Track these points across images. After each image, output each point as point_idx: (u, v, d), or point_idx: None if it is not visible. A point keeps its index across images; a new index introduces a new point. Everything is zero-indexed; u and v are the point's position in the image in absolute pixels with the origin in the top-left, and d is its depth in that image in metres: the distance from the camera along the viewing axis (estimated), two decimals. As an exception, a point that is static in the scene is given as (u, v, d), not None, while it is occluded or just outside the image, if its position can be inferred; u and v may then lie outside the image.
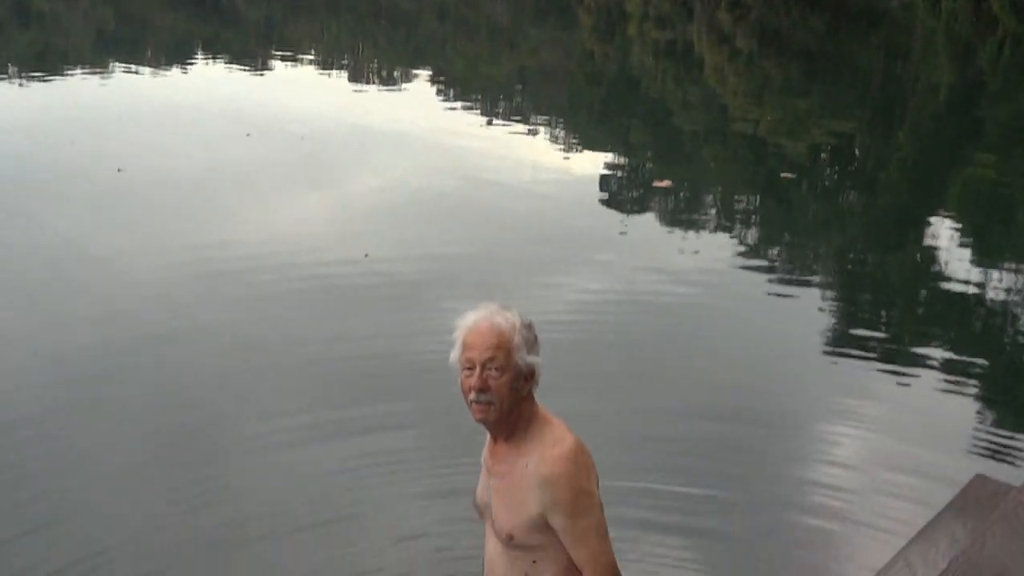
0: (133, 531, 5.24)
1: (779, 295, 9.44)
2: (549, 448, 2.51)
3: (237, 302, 8.54)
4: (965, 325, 8.97)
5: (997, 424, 6.52)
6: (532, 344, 2.57)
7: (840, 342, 8.14)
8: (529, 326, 2.59)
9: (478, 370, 2.53)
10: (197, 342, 7.72)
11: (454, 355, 2.61)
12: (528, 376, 2.57)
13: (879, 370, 7.49)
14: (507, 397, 2.53)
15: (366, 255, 9.65)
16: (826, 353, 7.89)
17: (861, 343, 8.07)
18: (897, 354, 7.90)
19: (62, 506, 5.43)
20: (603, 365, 7.38)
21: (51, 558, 4.92)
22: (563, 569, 2.58)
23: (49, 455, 5.96)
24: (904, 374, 7.43)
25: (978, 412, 6.76)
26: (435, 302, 8.24)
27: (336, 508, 5.46)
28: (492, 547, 2.68)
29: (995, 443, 6.20)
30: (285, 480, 5.76)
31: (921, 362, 7.69)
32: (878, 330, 8.82)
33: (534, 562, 2.59)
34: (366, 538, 5.22)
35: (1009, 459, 5.96)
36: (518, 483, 2.55)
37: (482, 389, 2.53)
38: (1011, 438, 6.25)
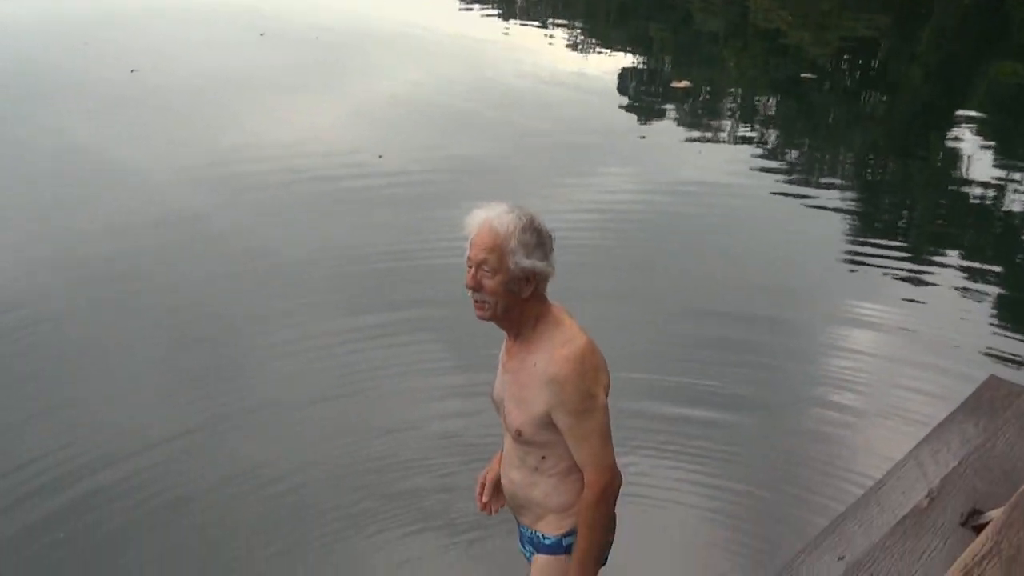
0: (147, 418, 5.41)
1: (798, 197, 9.37)
2: (558, 348, 2.53)
3: (251, 202, 8.57)
4: (984, 229, 8.92)
5: (1013, 327, 6.55)
6: (532, 248, 2.55)
7: (858, 245, 8.12)
8: (531, 229, 2.56)
9: (473, 270, 2.58)
10: (211, 243, 7.77)
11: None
12: (527, 279, 2.57)
13: (897, 273, 7.49)
14: (501, 298, 2.56)
15: (380, 156, 9.62)
16: (844, 255, 7.89)
17: (879, 246, 8.05)
18: (915, 257, 7.89)
19: (78, 396, 5.61)
20: (621, 267, 7.41)
21: (67, 443, 5.12)
22: (571, 466, 2.64)
23: (67, 348, 6.15)
24: (922, 277, 7.44)
25: (994, 315, 6.79)
26: (451, 203, 8.19)
27: (349, 395, 5.64)
28: (507, 441, 2.75)
29: (1010, 346, 6.24)
30: (299, 369, 5.92)
31: (939, 265, 7.70)
32: (897, 233, 8.80)
33: (543, 458, 2.66)
34: (379, 422, 5.41)
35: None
36: (527, 381, 2.60)
37: (475, 288, 2.58)
38: (1027, 340, 6.30)
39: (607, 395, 2.61)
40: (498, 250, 2.55)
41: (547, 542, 2.74)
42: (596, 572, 2.66)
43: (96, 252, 7.51)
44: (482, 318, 2.65)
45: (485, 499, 2.98)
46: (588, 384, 2.53)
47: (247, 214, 8.37)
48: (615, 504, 2.62)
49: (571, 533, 2.70)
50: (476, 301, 2.62)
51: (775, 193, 9.45)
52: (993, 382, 4.87)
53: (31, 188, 8.85)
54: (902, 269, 7.58)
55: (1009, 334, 6.44)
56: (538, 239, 2.57)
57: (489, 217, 2.56)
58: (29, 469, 4.93)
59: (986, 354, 6.11)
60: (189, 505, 4.73)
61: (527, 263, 2.54)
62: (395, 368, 5.93)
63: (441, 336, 6.24)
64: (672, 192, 9.15)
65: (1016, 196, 9.52)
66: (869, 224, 8.90)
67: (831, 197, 9.36)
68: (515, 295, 2.59)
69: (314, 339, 6.24)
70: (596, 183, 9.25)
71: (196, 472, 4.97)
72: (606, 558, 2.84)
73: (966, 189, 9.80)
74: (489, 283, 2.57)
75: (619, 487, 2.62)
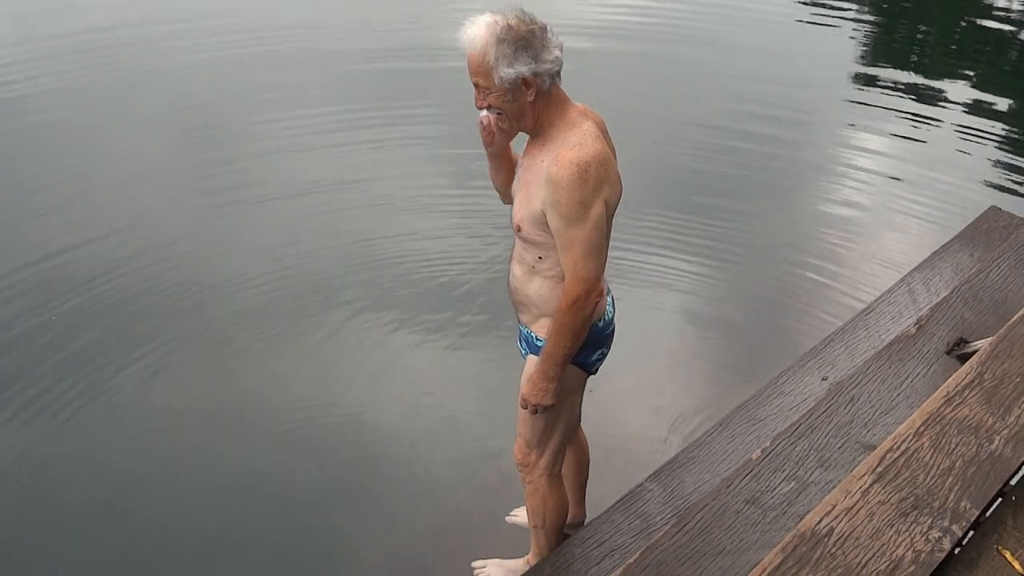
0: (155, 206, 5.59)
1: (811, 22, 9.10)
2: (564, 150, 2.48)
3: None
4: (996, 63, 8.68)
5: (1018, 159, 6.47)
6: (516, 54, 2.43)
7: (869, 71, 7.94)
8: (508, 38, 2.44)
9: (476, 91, 2.56)
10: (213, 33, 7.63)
11: None
12: (524, 85, 2.48)
13: (905, 101, 7.35)
14: (507, 109, 2.53)
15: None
16: (855, 81, 7.73)
17: (890, 74, 7.87)
18: (926, 87, 7.72)
19: (87, 186, 5.81)
20: (628, 77, 7.29)
21: (75, 231, 5.35)
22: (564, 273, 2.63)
23: (77, 145, 6.28)
24: (931, 106, 7.30)
25: (1001, 148, 6.69)
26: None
27: (353, 182, 5.83)
28: (515, 236, 2.77)
29: (1015, 178, 6.19)
30: (302, 163, 6.01)
31: (949, 94, 7.54)
32: (909, 62, 8.56)
33: (539, 258, 2.66)
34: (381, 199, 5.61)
35: (1027, 194, 5.99)
36: (533, 178, 2.58)
37: (481, 108, 2.58)
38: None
39: (611, 212, 2.58)
40: (482, 71, 2.49)
41: (539, 343, 2.79)
42: (558, 373, 2.70)
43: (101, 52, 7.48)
44: (501, 132, 2.63)
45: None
46: (584, 193, 2.48)
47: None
48: (588, 318, 2.62)
49: None
50: (492, 115, 2.59)
51: (788, 14, 9.18)
52: (993, 212, 4.85)
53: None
54: (912, 96, 7.43)
55: (1015, 166, 6.37)
56: (518, 43, 2.45)
57: (468, 34, 2.48)
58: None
59: (989, 184, 6.06)
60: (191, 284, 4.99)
61: (512, 72, 2.46)
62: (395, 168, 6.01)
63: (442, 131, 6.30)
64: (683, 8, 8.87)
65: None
66: (883, 50, 8.67)
67: (845, 23, 9.06)
68: (519, 103, 2.53)
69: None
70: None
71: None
72: (596, 369, 2.90)
73: (982, 21, 9.46)
74: (493, 100, 2.53)
75: (595, 302, 2.61)
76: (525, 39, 2.46)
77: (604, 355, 2.91)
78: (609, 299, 2.80)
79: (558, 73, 2.54)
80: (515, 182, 2.73)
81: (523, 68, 2.46)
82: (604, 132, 2.67)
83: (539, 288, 2.73)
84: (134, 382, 4.34)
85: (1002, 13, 9.43)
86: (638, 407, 4.23)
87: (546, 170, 2.52)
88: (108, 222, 5.41)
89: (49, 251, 5.15)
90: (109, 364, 4.44)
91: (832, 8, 9.51)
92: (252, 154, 6.20)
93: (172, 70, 7.34)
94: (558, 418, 2.89)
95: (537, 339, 2.80)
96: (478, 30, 2.47)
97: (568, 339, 2.64)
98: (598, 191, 2.51)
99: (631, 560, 2.51)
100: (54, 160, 6.06)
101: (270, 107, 6.78)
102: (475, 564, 3.41)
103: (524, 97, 2.52)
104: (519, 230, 2.67)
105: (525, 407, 2.79)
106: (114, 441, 4.04)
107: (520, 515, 3.59)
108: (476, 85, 2.55)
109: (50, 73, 7.26)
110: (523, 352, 2.94)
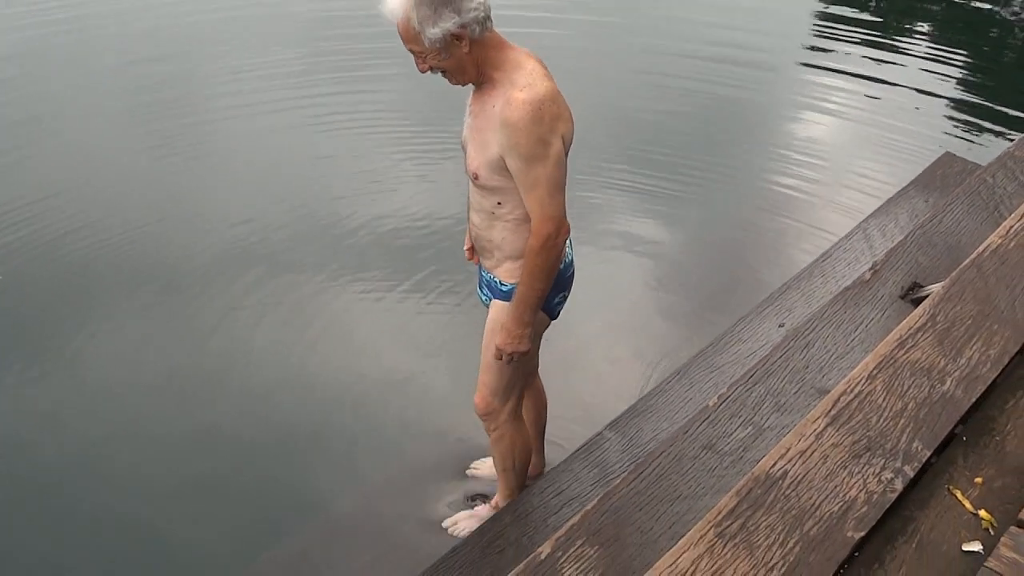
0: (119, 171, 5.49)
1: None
2: (515, 92, 2.44)
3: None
4: (954, 10, 8.70)
5: (974, 108, 6.52)
6: (435, 13, 2.39)
7: (826, 14, 7.94)
8: (424, 1, 2.38)
9: (414, 58, 2.53)
10: None
11: None
12: (455, 39, 2.44)
13: (865, 45, 7.36)
14: (448, 67, 2.51)
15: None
16: (812, 30, 7.74)
17: (847, 16, 7.87)
18: (883, 32, 7.73)
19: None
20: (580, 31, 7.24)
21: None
22: (526, 215, 2.62)
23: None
24: (889, 52, 7.31)
25: (956, 96, 6.74)
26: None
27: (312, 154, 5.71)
28: (470, 185, 2.74)
29: (970, 123, 6.23)
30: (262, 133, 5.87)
31: (908, 41, 7.56)
32: (867, 6, 8.56)
33: (499, 203, 2.65)
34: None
35: (981, 140, 6.02)
36: (484, 125, 2.55)
37: (425, 71, 2.55)
38: (987, 120, 6.27)
39: (567, 147, 2.56)
40: (411, 38, 2.47)
41: (504, 288, 2.78)
42: (533, 317, 2.70)
43: None
44: (451, 84, 2.61)
45: (467, 246, 3.02)
46: (542, 131, 2.46)
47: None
48: (559, 256, 2.61)
49: None
50: (442, 77, 2.59)
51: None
52: (947, 159, 4.88)
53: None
54: (871, 42, 7.43)
55: (969, 111, 6.42)
56: (436, 1, 2.40)
57: (387, 5, 2.45)
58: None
59: (946, 132, 6.10)
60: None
61: (438, 31, 2.42)
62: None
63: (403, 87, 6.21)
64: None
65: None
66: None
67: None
68: (456, 58, 2.50)
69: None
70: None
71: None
72: (558, 313, 2.89)
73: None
74: (432, 63, 2.52)
75: (565, 239, 2.61)
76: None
77: (565, 299, 2.91)
78: (568, 241, 2.78)
79: (488, 18, 2.50)
80: (465, 130, 2.69)
81: (448, 24, 2.42)
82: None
83: (501, 231, 2.72)
84: (93, 343, 4.27)
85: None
86: (596, 357, 4.24)
87: (499, 114, 2.48)
88: (59, 184, 5.31)
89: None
90: (64, 325, 4.36)
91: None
92: (209, 113, 6.11)
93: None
94: (524, 362, 2.89)
95: (502, 284, 2.79)
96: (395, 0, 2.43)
97: (541, 280, 2.63)
98: (554, 127, 2.49)
99: (589, 507, 2.51)
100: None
101: (227, 69, 6.67)
102: (446, 523, 3.41)
103: (459, 51, 2.48)
104: (476, 178, 2.64)
105: (499, 357, 2.78)
106: (75, 402, 3.98)
107: (480, 468, 3.60)
108: (412, 52, 2.52)
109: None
110: (484, 299, 2.92)
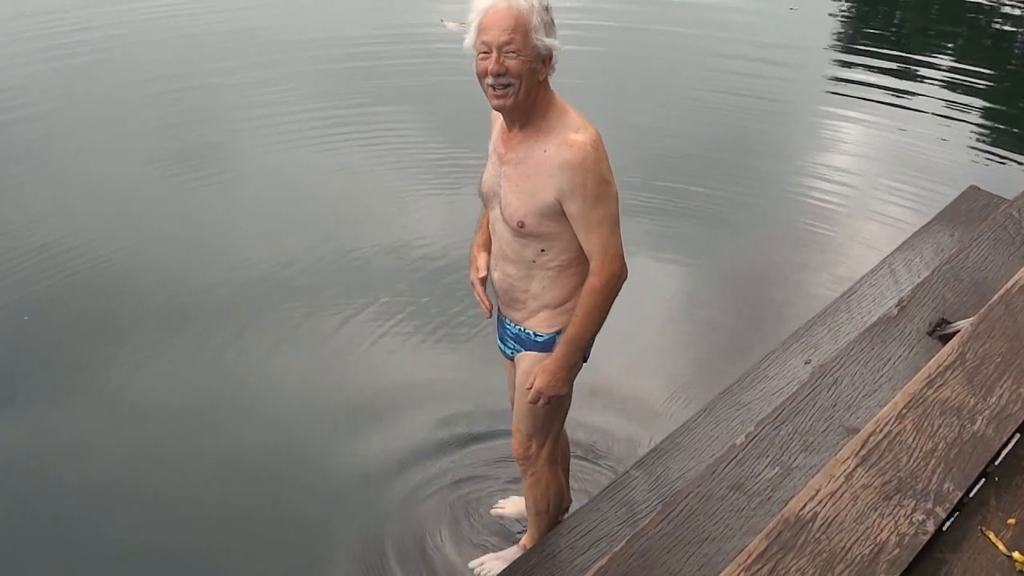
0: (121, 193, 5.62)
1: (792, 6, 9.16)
2: (572, 134, 2.44)
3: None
4: (977, 36, 8.70)
5: (998, 138, 6.50)
6: (550, 26, 2.44)
7: (848, 44, 7.96)
8: (547, 7, 2.46)
9: (495, 54, 2.43)
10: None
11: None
12: (546, 59, 2.46)
13: (886, 79, 7.36)
14: (525, 80, 2.44)
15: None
16: (834, 54, 7.76)
17: (869, 47, 7.89)
18: (905, 60, 7.74)
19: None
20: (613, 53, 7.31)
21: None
22: (570, 260, 2.61)
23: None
24: (910, 84, 7.31)
25: (980, 127, 6.72)
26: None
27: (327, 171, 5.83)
28: (502, 233, 2.68)
29: (994, 156, 6.20)
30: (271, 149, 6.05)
31: (928, 73, 7.56)
32: (888, 35, 8.58)
33: (542, 251, 2.61)
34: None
35: (1006, 173, 5.99)
36: (534, 169, 2.51)
37: (500, 73, 2.44)
38: (1012, 151, 6.24)
39: None
40: (522, 29, 2.41)
41: (539, 339, 2.74)
42: (579, 359, 2.68)
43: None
44: (501, 107, 2.51)
45: (488, 302, 2.83)
46: (603, 170, 2.47)
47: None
48: (616, 295, 2.60)
49: (564, 330, 2.70)
50: (498, 88, 2.47)
51: None
52: (972, 192, 4.86)
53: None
54: (891, 73, 7.44)
55: (993, 144, 6.39)
56: (552, 17, 2.47)
57: None
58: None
59: (970, 163, 6.07)
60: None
61: (546, 42, 2.45)
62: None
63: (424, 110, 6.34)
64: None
65: (1012, 4, 9.24)
66: (862, 22, 8.69)
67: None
68: (536, 77, 2.47)
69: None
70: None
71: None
72: (587, 356, 2.87)
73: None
74: (514, 64, 2.43)
75: (624, 279, 2.60)
76: (552, 19, 2.48)
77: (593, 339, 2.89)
78: None
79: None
80: (497, 179, 2.65)
81: (553, 42, 2.46)
82: None
83: (541, 281, 2.68)
84: (115, 375, 4.29)
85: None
86: (622, 394, 4.22)
87: (553, 158, 2.47)
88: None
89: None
90: (87, 357, 4.40)
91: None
92: (224, 137, 6.22)
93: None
94: (560, 405, 2.87)
95: (536, 335, 2.75)
96: None
97: (598, 321, 2.63)
98: (610, 167, 2.51)
99: (617, 548, 2.50)
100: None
101: (246, 90, 6.80)
102: (472, 564, 3.39)
103: (541, 72, 2.48)
104: (522, 226, 2.59)
105: (536, 401, 2.74)
106: (98, 431, 3.99)
107: (506, 507, 3.58)
108: (502, 46, 2.43)
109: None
110: (509, 352, 2.89)
